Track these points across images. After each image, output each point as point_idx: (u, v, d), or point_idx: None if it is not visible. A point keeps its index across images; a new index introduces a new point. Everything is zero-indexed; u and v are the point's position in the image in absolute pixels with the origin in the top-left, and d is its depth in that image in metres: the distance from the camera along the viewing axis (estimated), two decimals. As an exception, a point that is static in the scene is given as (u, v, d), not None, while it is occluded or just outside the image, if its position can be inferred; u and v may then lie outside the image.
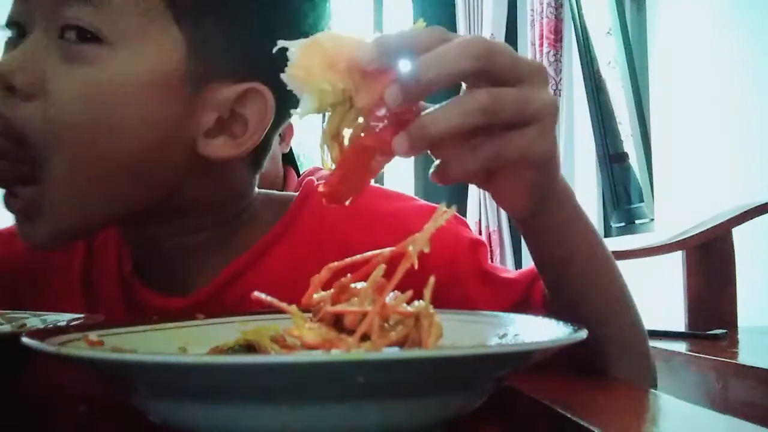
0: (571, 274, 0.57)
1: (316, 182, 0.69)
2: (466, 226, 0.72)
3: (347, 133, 0.45)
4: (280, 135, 1.55)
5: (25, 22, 0.58)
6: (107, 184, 0.58)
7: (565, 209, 0.55)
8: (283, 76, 0.44)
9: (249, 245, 0.67)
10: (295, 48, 0.44)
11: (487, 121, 0.43)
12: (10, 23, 0.59)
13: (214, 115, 0.59)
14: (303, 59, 0.43)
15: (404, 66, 0.43)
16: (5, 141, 0.56)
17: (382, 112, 0.43)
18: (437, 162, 0.48)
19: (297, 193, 0.70)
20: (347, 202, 0.46)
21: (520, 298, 0.65)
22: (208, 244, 0.66)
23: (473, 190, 3.63)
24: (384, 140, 0.43)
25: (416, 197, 0.75)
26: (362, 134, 0.44)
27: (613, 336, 0.58)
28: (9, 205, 0.59)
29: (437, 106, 0.44)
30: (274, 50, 0.48)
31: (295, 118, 0.46)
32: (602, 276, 0.59)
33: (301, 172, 1.67)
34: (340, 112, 0.44)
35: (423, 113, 0.43)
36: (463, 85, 0.46)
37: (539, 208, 0.52)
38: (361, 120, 0.44)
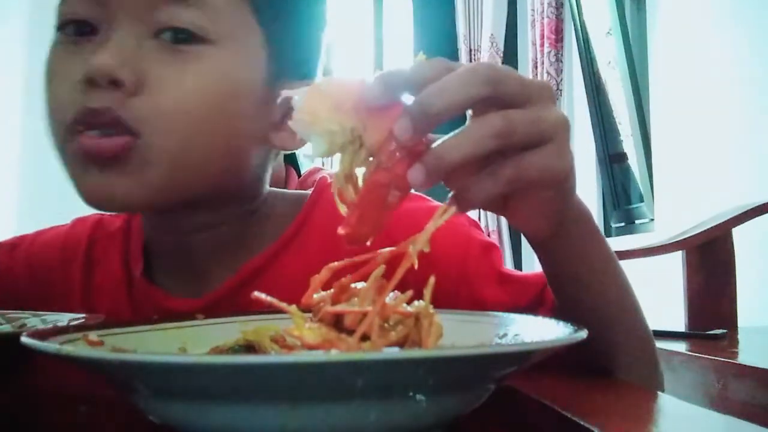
0: (583, 290, 0.57)
1: (328, 179, 0.71)
2: (479, 228, 0.72)
3: (360, 172, 0.45)
4: None
5: (97, 22, 0.59)
6: (202, 162, 0.60)
7: (580, 228, 0.55)
8: (290, 122, 0.44)
9: (264, 243, 0.68)
10: (299, 95, 0.44)
11: (503, 144, 0.43)
12: (69, 21, 0.60)
13: (283, 110, 0.63)
14: (309, 103, 0.43)
15: (411, 99, 0.42)
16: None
17: (392, 146, 0.43)
18: (452, 193, 0.46)
19: (308, 192, 0.71)
20: (368, 243, 0.45)
21: (534, 298, 0.65)
22: (225, 240, 0.67)
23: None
24: (398, 175, 0.43)
25: (428, 197, 0.75)
26: (375, 171, 0.44)
27: (624, 347, 0.58)
28: (99, 147, 0.56)
29: (449, 135, 0.43)
30: (278, 100, 0.50)
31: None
32: (614, 291, 0.59)
33: (302, 172, 1.67)
34: (351, 153, 0.44)
35: (435, 143, 0.42)
36: (468, 113, 0.45)
37: (556, 230, 0.52)
38: (372, 159, 0.44)
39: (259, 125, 0.63)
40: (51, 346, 0.38)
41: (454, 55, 3.74)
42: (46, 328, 0.44)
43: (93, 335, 0.45)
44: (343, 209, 0.45)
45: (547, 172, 0.45)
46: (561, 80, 3.50)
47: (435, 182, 0.42)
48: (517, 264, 3.62)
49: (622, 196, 3.36)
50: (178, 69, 0.58)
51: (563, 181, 0.47)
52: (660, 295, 1.87)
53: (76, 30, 0.59)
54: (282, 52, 0.63)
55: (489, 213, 3.60)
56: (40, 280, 0.71)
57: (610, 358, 0.58)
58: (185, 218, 0.65)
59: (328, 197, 0.67)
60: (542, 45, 3.51)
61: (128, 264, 0.70)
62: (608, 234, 3.35)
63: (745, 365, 1.18)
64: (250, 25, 0.61)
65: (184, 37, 0.58)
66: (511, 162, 0.44)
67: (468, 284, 0.65)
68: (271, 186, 0.76)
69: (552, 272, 0.58)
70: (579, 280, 0.57)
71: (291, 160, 1.66)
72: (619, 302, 0.59)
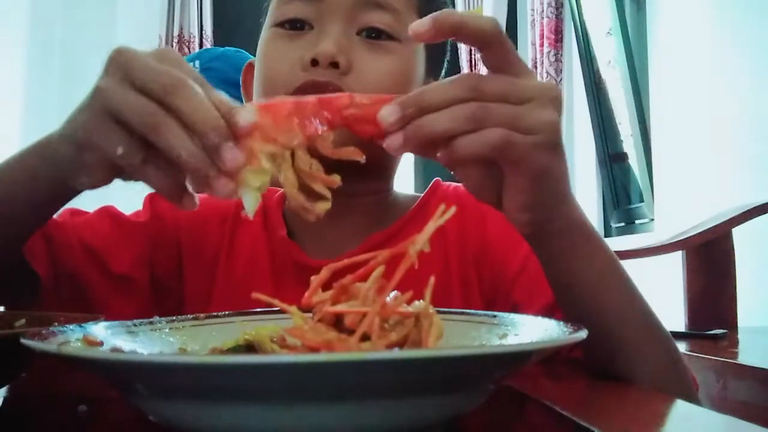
0: (583, 293, 0.58)
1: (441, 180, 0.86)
2: None
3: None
4: None
5: (312, 20, 0.74)
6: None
7: (573, 229, 0.56)
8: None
9: (390, 221, 0.79)
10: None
11: (476, 128, 0.47)
12: (287, 20, 0.75)
13: None
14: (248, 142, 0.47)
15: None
16: None
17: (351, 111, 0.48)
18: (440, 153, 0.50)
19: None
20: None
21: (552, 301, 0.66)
22: (365, 210, 0.79)
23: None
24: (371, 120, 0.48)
25: None
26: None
27: (632, 353, 0.58)
28: None
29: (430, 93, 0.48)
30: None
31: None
32: (615, 295, 0.59)
33: None
34: (287, 167, 0.47)
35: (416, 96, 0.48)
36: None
37: (552, 215, 0.54)
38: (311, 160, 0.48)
39: None
40: (51, 346, 0.38)
41: (454, 55, 3.73)
42: (45, 328, 0.44)
43: (93, 335, 0.45)
44: (304, 214, 0.48)
45: (527, 153, 0.48)
46: (561, 80, 3.50)
47: (411, 149, 0.48)
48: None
49: (622, 196, 3.35)
50: (375, 58, 0.74)
51: (544, 170, 0.50)
52: (660, 295, 1.87)
53: (291, 26, 0.75)
54: (432, 55, 0.80)
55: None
56: (197, 230, 0.80)
57: (622, 362, 0.58)
58: (345, 183, 0.68)
59: (441, 192, 0.83)
60: (542, 45, 3.51)
61: (268, 229, 0.80)
62: (608, 234, 3.35)
63: (745, 365, 1.18)
64: None
65: (379, 34, 0.74)
66: (498, 130, 0.47)
67: (512, 282, 0.72)
68: None
69: (547, 271, 0.59)
70: (574, 284, 0.57)
71: None
72: (621, 305, 0.59)
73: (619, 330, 0.57)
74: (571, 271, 0.57)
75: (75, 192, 0.59)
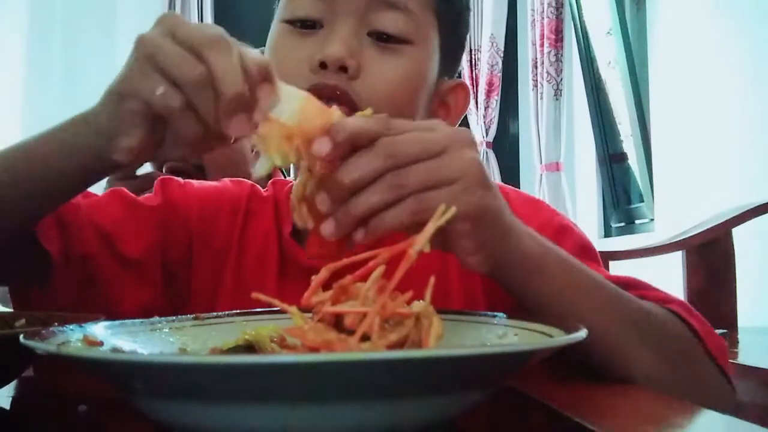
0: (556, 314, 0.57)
1: None
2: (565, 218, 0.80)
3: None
4: None
5: (322, 19, 0.73)
6: None
7: (527, 255, 0.57)
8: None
9: None
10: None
11: (398, 195, 0.48)
12: (298, 18, 0.73)
13: (436, 102, 0.78)
14: (264, 131, 0.48)
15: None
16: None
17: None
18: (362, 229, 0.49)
19: None
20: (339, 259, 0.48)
21: None
22: None
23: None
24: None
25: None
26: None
27: (619, 358, 0.58)
28: None
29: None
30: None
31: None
32: (586, 309, 0.58)
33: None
34: (304, 179, 0.49)
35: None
36: None
37: (501, 250, 0.54)
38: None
39: (420, 116, 0.75)
40: (51, 346, 0.38)
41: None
42: (45, 328, 0.44)
43: (93, 335, 0.45)
44: (301, 224, 0.50)
45: (451, 204, 0.47)
46: (561, 80, 3.49)
47: (346, 230, 0.48)
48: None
49: (622, 196, 3.35)
50: (386, 61, 0.72)
51: (475, 212, 0.50)
52: (660, 295, 1.86)
53: (301, 24, 0.73)
54: (448, 54, 0.78)
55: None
56: (209, 219, 0.79)
57: (614, 370, 0.58)
58: None
59: None
60: (542, 45, 3.51)
61: (278, 224, 0.79)
62: (608, 234, 3.35)
63: (745, 365, 1.18)
64: (432, 30, 0.75)
65: (392, 36, 0.72)
66: (414, 196, 0.48)
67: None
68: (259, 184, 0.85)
69: (517, 300, 0.60)
70: (543, 306, 0.58)
71: None
72: (597, 319, 0.57)
73: (601, 342, 0.57)
74: (535, 295, 0.58)
75: (111, 167, 0.59)
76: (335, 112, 0.49)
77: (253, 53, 0.51)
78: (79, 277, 0.70)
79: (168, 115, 0.51)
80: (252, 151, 1.53)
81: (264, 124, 0.48)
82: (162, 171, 1.38)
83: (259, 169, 0.49)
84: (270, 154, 0.48)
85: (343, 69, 0.70)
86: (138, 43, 0.51)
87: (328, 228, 0.48)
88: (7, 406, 0.54)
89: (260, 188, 0.84)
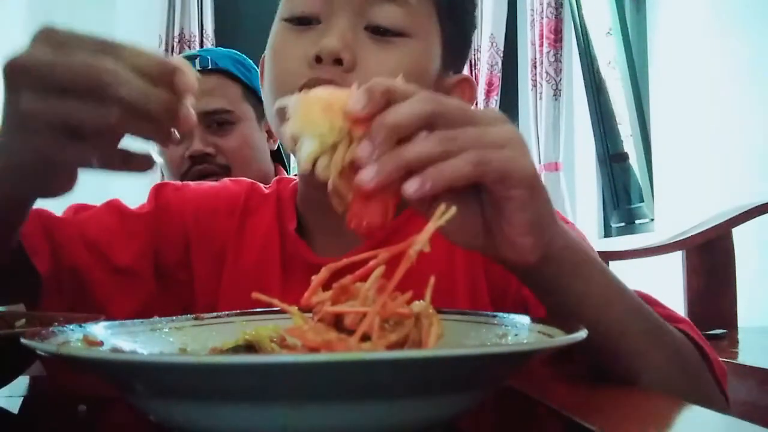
0: (589, 314, 0.55)
1: None
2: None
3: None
4: (267, 132, 1.56)
5: (319, 14, 0.72)
6: None
7: (570, 255, 0.55)
8: (283, 127, 0.48)
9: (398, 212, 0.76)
10: (291, 102, 0.47)
11: (451, 148, 0.46)
12: (296, 15, 0.73)
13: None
14: (302, 108, 0.47)
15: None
16: None
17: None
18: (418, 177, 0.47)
19: None
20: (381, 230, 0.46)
21: None
22: None
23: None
24: None
25: None
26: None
27: (631, 362, 0.57)
28: None
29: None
30: (274, 108, 0.59)
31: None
32: (616, 309, 0.57)
33: (290, 169, 1.69)
34: (343, 149, 0.46)
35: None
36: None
37: (551, 235, 0.51)
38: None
39: None
40: (51, 346, 0.38)
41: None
42: (45, 328, 0.44)
43: (91, 335, 0.45)
44: (339, 205, 0.47)
45: (509, 164, 0.46)
46: (561, 80, 3.49)
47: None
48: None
49: (622, 196, 3.35)
50: (383, 55, 0.71)
51: (531, 180, 0.48)
52: (660, 295, 1.86)
53: (299, 21, 0.73)
54: (450, 48, 0.76)
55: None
56: (205, 220, 0.79)
57: (623, 372, 0.57)
58: None
59: None
60: (542, 45, 3.51)
61: (281, 221, 0.78)
62: (608, 234, 3.35)
63: (745, 365, 1.18)
64: (433, 23, 0.74)
65: (388, 29, 0.71)
66: (475, 149, 0.46)
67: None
68: (260, 182, 0.85)
69: (547, 300, 0.58)
70: (577, 306, 0.56)
71: (279, 158, 1.67)
72: (623, 319, 0.57)
73: (617, 344, 0.56)
74: (575, 295, 0.55)
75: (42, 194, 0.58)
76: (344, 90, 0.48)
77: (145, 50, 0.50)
78: (70, 290, 0.71)
79: (121, 127, 0.49)
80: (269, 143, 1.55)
81: (305, 101, 0.47)
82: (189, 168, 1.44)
83: (303, 157, 0.46)
84: (312, 134, 0.46)
85: (339, 62, 0.69)
86: (27, 65, 0.49)
87: (368, 173, 0.44)
88: (9, 406, 0.54)
89: (261, 186, 0.84)
